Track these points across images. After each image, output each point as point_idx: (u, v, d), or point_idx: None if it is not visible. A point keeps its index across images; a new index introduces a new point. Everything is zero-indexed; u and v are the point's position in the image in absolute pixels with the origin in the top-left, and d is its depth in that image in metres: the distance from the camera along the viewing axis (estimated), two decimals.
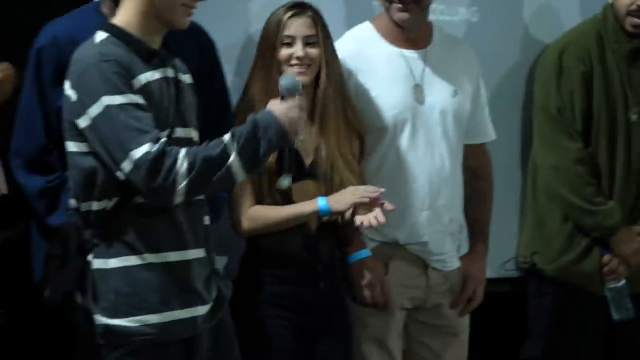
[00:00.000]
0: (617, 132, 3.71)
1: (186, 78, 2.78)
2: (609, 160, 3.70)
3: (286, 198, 3.07)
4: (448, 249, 3.42)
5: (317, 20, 3.19)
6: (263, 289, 3.08)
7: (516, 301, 3.95)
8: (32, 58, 3.05)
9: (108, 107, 2.48)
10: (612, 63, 3.74)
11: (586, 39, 3.77)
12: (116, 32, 2.61)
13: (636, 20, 3.67)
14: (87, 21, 3.04)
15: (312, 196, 3.12)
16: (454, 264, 3.42)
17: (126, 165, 2.47)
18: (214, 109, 3.16)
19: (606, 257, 3.63)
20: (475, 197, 3.52)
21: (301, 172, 3.12)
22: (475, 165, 3.50)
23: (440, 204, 3.35)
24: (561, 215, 3.73)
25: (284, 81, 2.72)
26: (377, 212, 3.01)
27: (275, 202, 3.11)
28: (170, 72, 2.68)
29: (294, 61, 3.13)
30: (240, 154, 2.48)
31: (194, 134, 2.76)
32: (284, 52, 3.13)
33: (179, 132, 2.64)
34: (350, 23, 3.61)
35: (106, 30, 2.61)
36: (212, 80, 3.28)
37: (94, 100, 2.49)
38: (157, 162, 2.48)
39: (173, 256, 2.61)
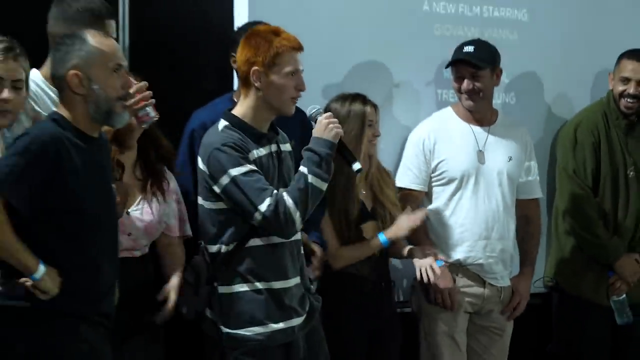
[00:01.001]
0: (618, 185, 4.37)
1: (286, 147, 3.29)
2: (613, 206, 4.37)
3: (358, 235, 3.71)
4: (499, 270, 4.05)
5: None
6: (346, 303, 3.67)
7: (544, 310, 4.60)
8: (186, 138, 3.68)
9: (235, 177, 3.01)
10: (615, 135, 4.39)
11: (595, 117, 4.43)
12: (234, 121, 3.14)
13: (628, 103, 4.35)
14: (225, 108, 3.57)
15: (376, 233, 3.76)
16: (506, 282, 4.06)
17: (257, 216, 3.01)
18: None
19: (612, 278, 4.27)
20: (527, 237, 4.20)
21: (367, 216, 3.76)
22: (527, 214, 4.20)
23: (494, 237, 4.00)
24: (577, 247, 4.37)
25: (309, 111, 3.26)
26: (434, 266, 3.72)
27: (350, 237, 3.69)
28: (274, 147, 3.20)
29: (374, 138, 3.82)
30: (312, 172, 3.03)
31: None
32: (369, 132, 3.76)
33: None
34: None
35: (226, 119, 3.15)
36: None
37: (223, 172, 3.02)
38: (277, 211, 2.99)
39: (276, 284, 3.13)
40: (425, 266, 3.68)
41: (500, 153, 4.09)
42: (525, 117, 4.57)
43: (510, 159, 4.09)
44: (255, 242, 3.10)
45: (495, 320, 4.11)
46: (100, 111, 2.76)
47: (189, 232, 3.44)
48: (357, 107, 3.70)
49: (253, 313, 3.10)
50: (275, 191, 3.04)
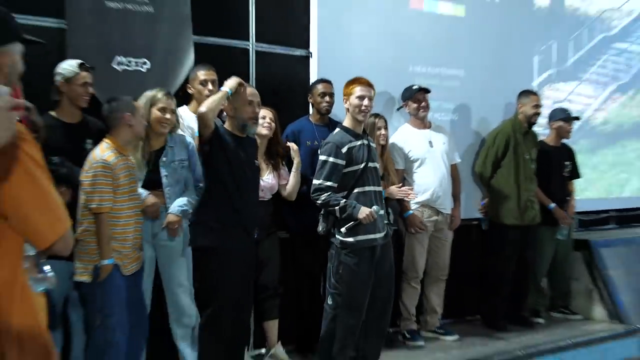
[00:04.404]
0: (519, 164, 5.62)
1: (371, 141, 4.16)
2: (516, 176, 5.63)
3: None
4: (446, 204, 5.26)
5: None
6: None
7: (480, 228, 5.97)
8: (284, 139, 4.64)
9: (326, 160, 3.96)
10: (519, 137, 5.69)
11: (507, 128, 5.74)
12: (344, 128, 4.06)
13: (537, 118, 5.66)
14: (304, 123, 4.83)
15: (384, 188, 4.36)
16: (449, 211, 5.30)
17: (314, 182, 3.94)
18: None
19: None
20: (454, 186, 5.34)
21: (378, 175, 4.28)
22: (452, 174, 5.34)
23: (443, 187, 5.22)
24: (494, 195, 5.68)
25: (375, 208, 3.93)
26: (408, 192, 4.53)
27: None
28: (365, 141, 4.07)
29: (382, 135, 4.72)
30: (339, 211, 3.90)
31: (377, 165, 4.15)
32: (378, 132, 4.69)
33: (370, 164, 4.05)
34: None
35: (341, 128, 4.07)
36: None
37: (325, 154, 3.98)
38: (317, 191, 3.92)
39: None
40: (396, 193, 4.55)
41: (439, 141, 5.27)
42: (463, 127, 6.00)
43: (444, 143, 5.27)
44: (357, 190, 4.01)
45: (443, 233, 5.35)
46: (240, 125, 3.74)
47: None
48: (371, 119, 4.78)
49: (356, 227, 3.96)
50: (328, 185, 3.94)
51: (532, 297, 6.06)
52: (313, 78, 5.13)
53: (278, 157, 4.54)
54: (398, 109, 5.41)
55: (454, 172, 5.47)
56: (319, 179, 3.96)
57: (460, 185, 5.58)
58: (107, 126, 3.79)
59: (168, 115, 4.00)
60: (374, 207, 3.97)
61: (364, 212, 3.90)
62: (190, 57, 4.63)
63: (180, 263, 4.14)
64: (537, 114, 5.72)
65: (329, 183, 3.93)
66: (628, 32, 7.49)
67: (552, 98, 6.72)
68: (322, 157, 4.01)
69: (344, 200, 3.92)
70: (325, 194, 3.93)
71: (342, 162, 3.95)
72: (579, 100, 6.96)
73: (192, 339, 4.20)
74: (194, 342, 4.18)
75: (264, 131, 4.37)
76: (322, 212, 4.11)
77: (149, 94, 4.03)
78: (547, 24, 6.69)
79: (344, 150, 3.97)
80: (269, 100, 4.54)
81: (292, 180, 4.45)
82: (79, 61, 3.90)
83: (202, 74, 4.30)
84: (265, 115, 4.38)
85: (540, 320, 6.02)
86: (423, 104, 5.17)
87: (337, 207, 3.91)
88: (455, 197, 5.46)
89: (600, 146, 7.23)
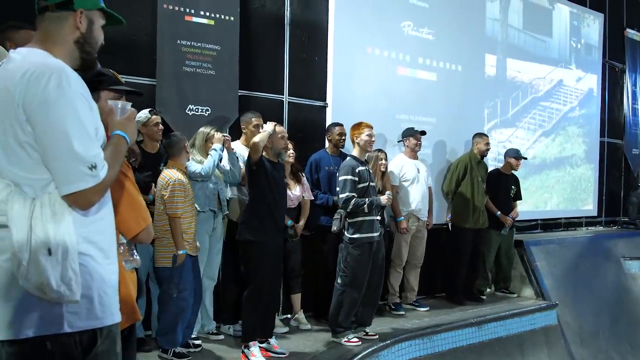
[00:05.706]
0: (474, 184, 5.47)
1: (369, 167, 4.06)
2: (472, 194, 5.49)
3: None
4: (424, 214, 5.15)
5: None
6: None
7: (448, 230, 5.73)
8: (307, 165, 4.55)
9: (346, 179, 3.86)
10: (473, 165, 5.54)
11: (466, 158, 5.59)
12: (353, 157, 3.97)
13: (486, 152, 5.50)
14: (323, 154, 4.63)
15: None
16: (425, 218, 5.16)
17: (341, 196, 3.82)
18: None
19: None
20: (429, 201, 5.20)
21: (379, 192, 4.27)
22: (429, 193, 5.19)
23: (424, 202, 5.12)
24: (456, 207, 5.53)
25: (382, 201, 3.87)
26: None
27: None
28: (366, 167, 4.02)
29: (383, 164, 4.49)
30: (368, 206, 3.82)
31: (373, 184, 4.01)
32: (379, 162, 4.44)
33: (372, 184, 3.98)
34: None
35: (351, 157, 3.96)
36: None
37: (344, 174, 3.82)
38: (346, 201, 3.81)
39: (369, 217, 3.88)
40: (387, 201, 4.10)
41: (423, 169, 5.16)
42: (435, 158, 5.86)
43: (425, 171, 5.19)
44: (363, 199, 3.90)
45: (421, 233, 5.21)
46: (275, 153, 3.65)
47: (311, 198, 4.42)
48: (374, 154, 4.54)
49: (360, 228, 3.93)
50: (354, 195, 3.82)
51: (478, 280, 5.86)
52: (328, 122, 4.97)
53: (298, 173, 4.41)
54: (398, 142, 5.25)
55: (429, 192, 5.32)
56: (345, 193, 3.84)
57: (432, 202, 5.47)
58: (167, 153, 3.69)
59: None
60: (387, 192, 4.02)
61: (384, 199, 3.93)
62: (236, 106, 4.56)
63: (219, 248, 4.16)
64: (487, 150, 5.60)
65: (352, 194, 3.85)
66: (550, 94, 7.37)
67: (497, 139, 6.62)
68: (342, 177, 3.89)
69: (368, 200, 3.87)
70: (352, 201, 3.84)
71: (356, 178, 3.89)
72: (516, 142, 6.80)
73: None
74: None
75: (290, 160, 4.26)
76: (334, 216, 3.96)
77: (206, 129, 3.99)
78: (494, 87, 6.58)
79: (357, 171, 3.92)
80: (297, 137, 4.49)
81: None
82: (149, 109, 3.81)
83: (253, 119, 4.22)
84: (291, 147, 4.23)
85: (483, 297, 5.79)
86: (419, 141, 5.07)
87: (365, 205, 3.82)
88: (429, 209, 5.35)
89: (530, 174, 7.09)
